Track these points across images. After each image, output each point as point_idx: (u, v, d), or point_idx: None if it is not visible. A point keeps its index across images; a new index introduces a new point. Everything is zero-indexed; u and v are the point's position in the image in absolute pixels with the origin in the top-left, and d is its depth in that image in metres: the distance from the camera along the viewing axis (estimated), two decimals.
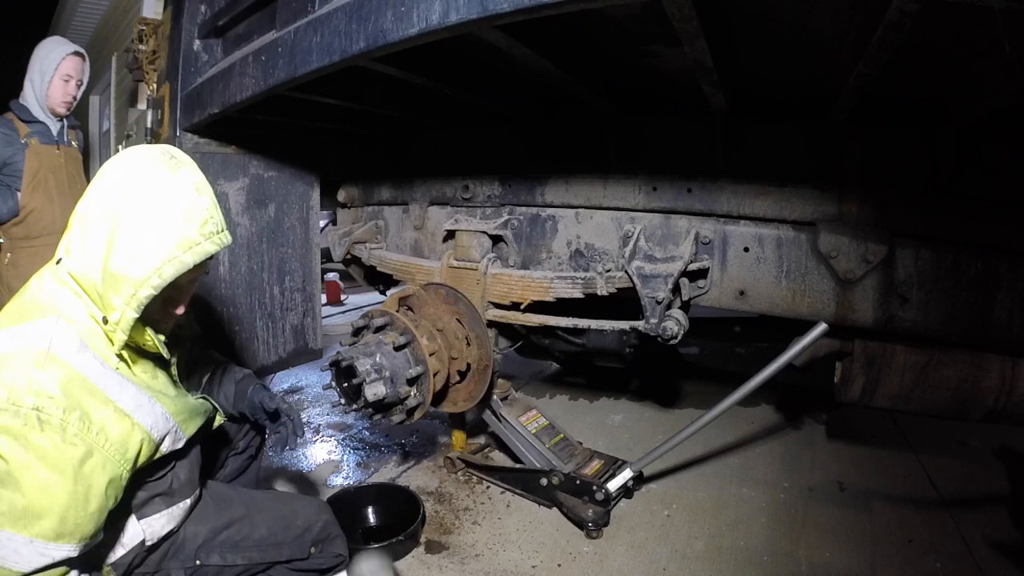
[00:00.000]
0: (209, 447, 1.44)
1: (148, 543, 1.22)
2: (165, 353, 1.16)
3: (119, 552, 1.18)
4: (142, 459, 1.13)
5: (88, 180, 3.01)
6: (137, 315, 1.05)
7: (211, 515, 1.34)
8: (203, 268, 1.13)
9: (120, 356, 1.11)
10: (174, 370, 1.27)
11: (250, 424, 1.66)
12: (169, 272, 1.04)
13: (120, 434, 1.06)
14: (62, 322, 1.05)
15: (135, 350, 1.15)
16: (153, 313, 1.09)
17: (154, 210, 1.04)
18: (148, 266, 1.03)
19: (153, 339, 1.12)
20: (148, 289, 1.04)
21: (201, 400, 1.38)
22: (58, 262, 1.10)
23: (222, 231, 1.13)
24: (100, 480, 1.03)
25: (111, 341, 1.09)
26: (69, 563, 1.02)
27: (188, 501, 1.29)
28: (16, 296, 1.13)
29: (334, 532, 1.45)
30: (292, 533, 1.40)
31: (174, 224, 1.05)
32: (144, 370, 1.18)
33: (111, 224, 1.04)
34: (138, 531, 1.20)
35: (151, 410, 1.13)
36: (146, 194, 1.05)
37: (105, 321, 1.07)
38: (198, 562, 1.29)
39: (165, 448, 1.19)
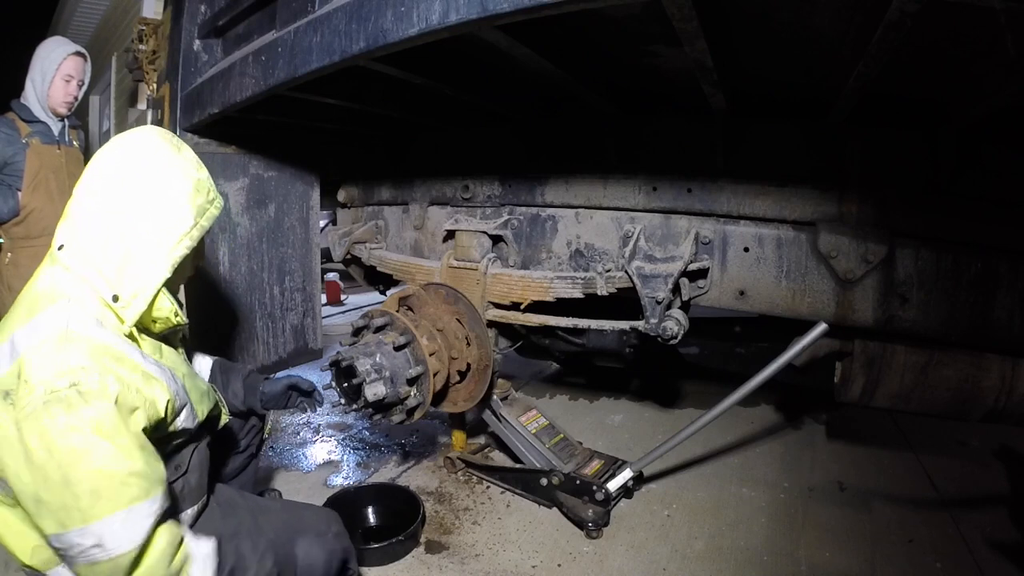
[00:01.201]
0: (214, 448, 1.43)
1: None
2: (183, 318, 1.23)
3: None
4: (167, 421, 1.16)
5: None
6: (170, 274, 1.15)
7: (217, 522, 1.31)
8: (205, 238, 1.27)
9: (130, 336, 1.14)
10: (182, 351, 1.33)
11: (258, 418, 1.67)
12: (196, 235, 1.19)
13: (152, 394, 1.09)
14: (73, 303, 1.07)
15: (142, 331, 1.19)
16: (176, 280, 1.21)
17: (172, 185, 1.16)
18: (179, 231, 1.16)
19: (171, 301, 1.20)
20: (181, 250, 1.16)
21: (209, 386, 1.39)
22: (60, 248, 1.13)
23: (217, 196, 1.27)
24: (143, 431, 1.06)
25: (121, 321, 1.12)
26: (162, 513, 1.04)
27: (196, 507, 1.28)
28: (21, 296, 1.13)
29: (344, 543, 1.42)
30: None
31: (190, 195, 1.18)
32: (152, 350, 1.21)
33: (130, 200, 1.12)
34: None
35: (171, 378, 1.18)
36: (162, 172, 1.16)
37: (115, 299, 1.10)
38: None
39: (179, 423, 1.20)
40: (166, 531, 1.05)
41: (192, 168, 1.21)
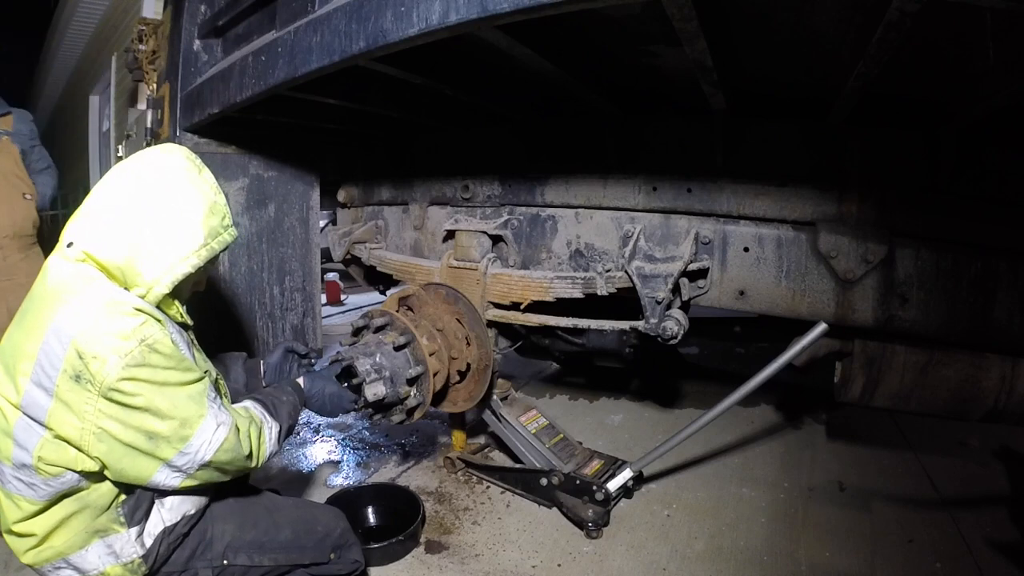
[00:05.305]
0: None
1: (168, 524, 1.24)
2: (188, 320, 1.31)
3: (147, 542, 1.22)
4: None
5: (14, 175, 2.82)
6: (168, 291, 1.19)
7: (236, 513, 1.36)
8: (218, 257, 1.30)
9: None
10: (191, 335, 1.38)
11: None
12: (204, 255, 1.22)
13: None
14: (100, 283, 1.14)
15: None
16: (181, 291, 1.26)
17: (189, 204, 1.20)
18: (187, 249, 1.19)
19: (179, 308, 1.28)
20: (186, 267, 1.19)
21: (218, 372, 1.42)
22: (69, 246, 1.17)
23: (232, 224, 1.30)
24: None
25: None
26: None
27: (208, 496, 1.32)
28: (35, 291, 1.17)
29: (351, 539, 1.48)
30: (314, 537, 1.42)
31: (205, 217, 1.21)
32: None
33: (147, 213, 1.17)
34: (158, 519, 1.23)
35: (187, 347, 1.26)
36: (181, 190, 1.21)
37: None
38: (225, 561, 1.31)
39: None
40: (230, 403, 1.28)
41: (210, 190, 1.25)
